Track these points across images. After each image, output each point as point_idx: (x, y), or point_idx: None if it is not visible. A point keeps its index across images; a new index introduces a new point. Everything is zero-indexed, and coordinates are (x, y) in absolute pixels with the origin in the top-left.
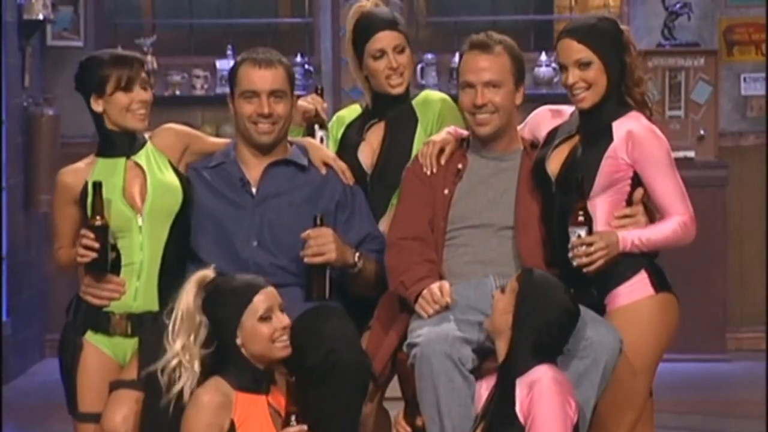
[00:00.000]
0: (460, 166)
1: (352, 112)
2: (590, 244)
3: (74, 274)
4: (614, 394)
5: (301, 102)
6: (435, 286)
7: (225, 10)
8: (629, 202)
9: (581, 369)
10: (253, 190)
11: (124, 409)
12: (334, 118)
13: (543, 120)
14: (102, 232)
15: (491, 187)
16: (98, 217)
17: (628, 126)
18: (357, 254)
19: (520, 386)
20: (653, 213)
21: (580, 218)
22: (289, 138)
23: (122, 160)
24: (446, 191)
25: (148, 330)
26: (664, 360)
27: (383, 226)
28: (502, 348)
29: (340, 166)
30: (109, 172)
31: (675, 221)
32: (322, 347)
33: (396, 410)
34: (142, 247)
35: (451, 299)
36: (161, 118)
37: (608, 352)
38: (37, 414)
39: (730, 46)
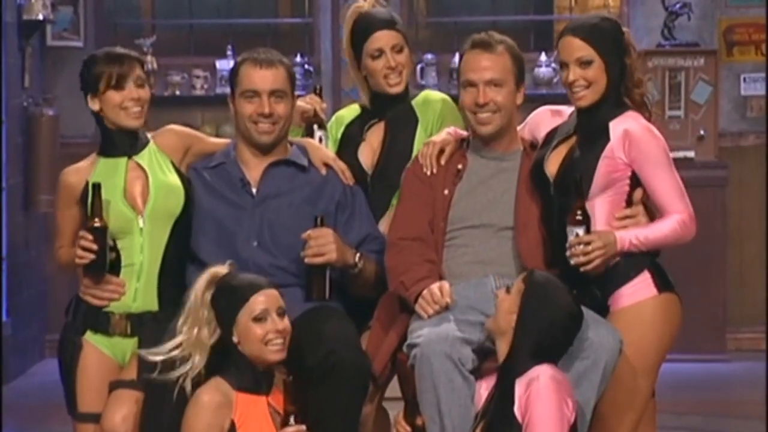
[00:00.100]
0: (460, 166)
1: (351, 111)
2: (588, 243)
3: (74, 274)
4: (615, 394)
5: (299, 102)
6: (435, 287)
7: (225, 10)
8: (629, 203)
9: (581, 369)
10: (254, 190)
11: (124, 409)
12: (333, 118)
13: (543, 120)
14: (100, 234)
15: (491, 187)
16: (97, 219)
17: (625, 125)
18: (357, 255)
19: (519, 385)
20: (654, 213)
21: (578, 217)
22: (289, 138)
23: (123, 160)
24: (446, 192)
25: (148, 330)
26: (664, 360)
27: (383, 226)
28: (502, 348)
29: (340, 166)
30: (110, 172)
31: (674, 219)
32: (322, 347)
33: (396, 410)
34: (142, 248)
35: (451, 299)
36: (161, 119)
37: (608, 353)
38: (37, 414)
39: (729, 47)
